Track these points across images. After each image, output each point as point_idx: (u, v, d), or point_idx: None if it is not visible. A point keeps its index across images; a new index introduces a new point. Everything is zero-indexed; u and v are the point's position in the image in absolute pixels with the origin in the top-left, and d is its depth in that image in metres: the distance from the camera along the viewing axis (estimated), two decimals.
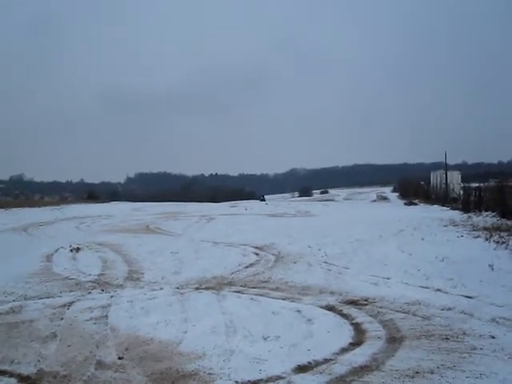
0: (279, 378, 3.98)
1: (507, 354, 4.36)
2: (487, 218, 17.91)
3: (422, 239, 12.38)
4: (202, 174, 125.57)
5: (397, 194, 62.30)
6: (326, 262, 9.45)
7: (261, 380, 3.94)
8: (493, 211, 19.35)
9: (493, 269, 8.12)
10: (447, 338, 4.85)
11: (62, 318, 5.79)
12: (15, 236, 16.22)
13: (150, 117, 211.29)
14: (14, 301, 6.71)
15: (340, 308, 6.11)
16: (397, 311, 5.91)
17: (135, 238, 14.47)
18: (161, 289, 7.39)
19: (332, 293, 6.96)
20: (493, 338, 4.83)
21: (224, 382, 3.91)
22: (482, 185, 25.19)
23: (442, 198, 35.02)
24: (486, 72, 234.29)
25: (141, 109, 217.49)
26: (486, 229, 14.22)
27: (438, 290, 6.93)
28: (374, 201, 55.76)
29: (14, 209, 31.26)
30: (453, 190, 35.38)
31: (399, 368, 4.10)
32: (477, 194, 23.69)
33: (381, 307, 6.11)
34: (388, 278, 7.78)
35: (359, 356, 4.42)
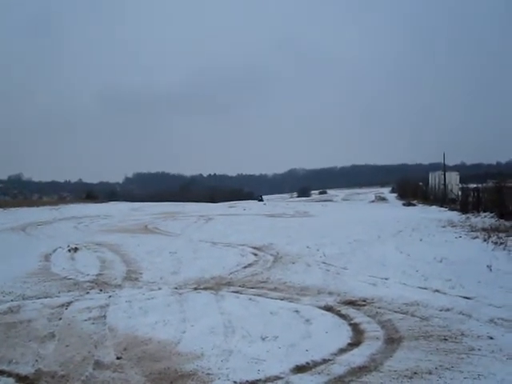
0: (277, 378, 3.98)
1: (505, 354, 4.37)
2: (485, 219, 17.94)
3: (421, 240, 12.39)
4: (201, 174, 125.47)
5: (395, 195, 62.33)
6: (324, 263, 9.46)
7: (259, 380, 3.94)
8: (491, 212, 19.39)
9: (491, 270, 8.13)
10: (445, 339, 4.86)
11: (60, 318, 5.78)
12: (13, 236, 16.19)
13: (149, 117, 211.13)
14: (12, 300, 6.71)
15: (338, 308, 6.11)
16: (395, 312, 5.92)
17: (133, 238, 14.45)
18: (159, 289, 7.39)
19: (330, 293, 6.96)
20: (491, 338, 4.83)
21: (222, 382, 3.91)
22: (480, 186, 25.23)
23: (441, 198, 35.08)
24: (485, 73, 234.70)
25: (140, 109, 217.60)
26: (484, 230, 14.25)
27: (437, 290, 6.93)
28: (373, 201, 55.77)
29: (13, 208, 31.23)
30: (451, 190, 35.43)
31: (397, 369, 4.10)
32: (475, 194, 23.74)
33: (379, 308, 6.11)
34: (386, 279, 7.79)
35: (357, 356, 4.42)
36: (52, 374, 4.12)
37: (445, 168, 40.00)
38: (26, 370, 4.22)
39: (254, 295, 6.89)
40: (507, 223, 15.67)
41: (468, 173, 58.69)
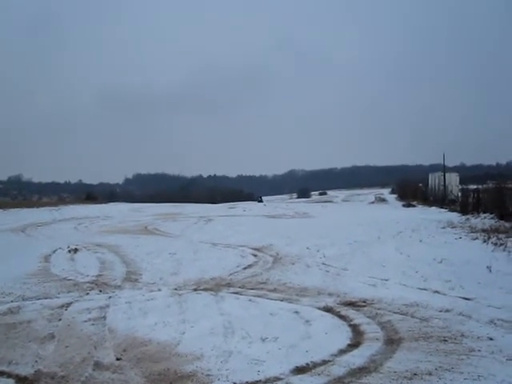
0: (277, 379, 3.97)
1: (505, 355, 4.37)
2: (485, 220, 17.94)
3: (420, 241, 12.40)
4: (201, 175, 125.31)
5: (395, 196, 62.33)
6: (324, 264, 9.46)
7: (259, 381, 3.94)
8: (491, 213, 19.39)
9: (491, 271, 8.13)
10: (445, 340, 4.86)
11: (59, 319, 5.78)
12: (13, 236, 16.19)
13: (149, 117, 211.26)
14: (12, 301, 6.70)
15: (338, 309, 6.11)
16: (395, 313, 5.92)
17: (133, 239, 14.46)
18: (159, 290, 7.38)
19: (330, 294, 6.96)
20: (491, 339, 4.83)
21: (222, 383, 3.91)
22: (480, 187, 25.22)
23: (441, 199, 35.10)
24: (485, 73, 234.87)
25: (139, 109, 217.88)
26: (484, 231, 14.25)
27: (436, 291, 6.93)
28: (373, 202, 55.77)
29: (12, 209, 31.22)
30: (451, 191, 35.45)
31: (397, 370, 4.10)
32: (475, 195, 23.74)
33: (379, 309, 6.11)
34: (386, 280, 7.79)
35: (357, 357, 4.42)
36: (52, 374, 4.12)
37: (445, 169, 40.02)
38: (25, 370, 4.22)
39: (254, 296, 6.89)
40: (507, 224, 15.68)
41: (468, 174, 58.84)
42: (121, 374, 4.12)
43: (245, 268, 9.29)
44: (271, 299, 6.74)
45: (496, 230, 14.08)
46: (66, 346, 4.82)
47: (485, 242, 11.73)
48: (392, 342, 4.87)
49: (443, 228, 16.15)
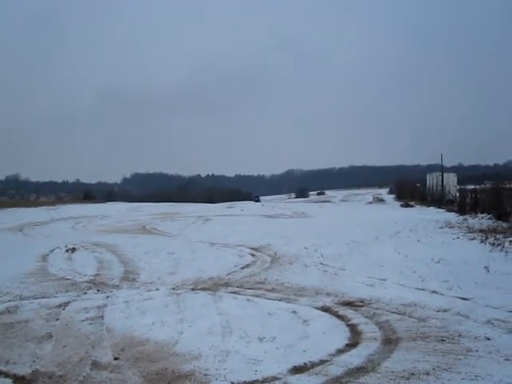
0: (275, 378, 3.98)
1: (503, 355, 4.38)
2: (483, 220, 17.97)
3: (418, 241, 12.42)
4: (199, 175, 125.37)
5: (393, 196, 62.49)
6: (322, 263, 9.46)
7: (256, 381, 3.94)
8: (488, 213, 19.42)
9: (488, 271, 8.15)
10: (443, 340, 4.86)
11: (57, 319, 5.77)
12: (11, 236, 16.17)
13: (147, 117, 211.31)
14: (9, 301, 6.69)
15: (336, 309, 6.12)
16: (393, 312, 5.92)
17: (131, 239, 14.44)
18: (157, 289, 7.38)
19: (328, 294, 6.97)
20: (488, 339, 4.84)
21: (220, 383, 3.91)
22: (477, 187, 25.28)
23: (438, 199, 35.18)
24: (483, 74, 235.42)
25: (138, 109, 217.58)
26: (481, 231, 14.29)
27: (434, 291, 6.94)
28: (370, 202, 55.87)
29: (10, 208, 31.18)
30: (449, 192, 35.55)
31: (395, 369, 4.10)
32: (473, 196, 23.78)
33: (377, 308, 6.12)
34: (384, 280, 7.80)
35: (355, 357, 4.42)
36: (49, 374, 4.11)
37: (442, 169, 40.12)
38: (23, 370, 4.21)
39: (252, 296, 6.89)
40: (504, 224, 15.71)
41: (466, 174, 58.93)
42: (118, 373, 4.12)
43: (243, 268, 9.29)
44: (269, 299, 6.74)
45: (493, 231, 14.11)
46: (64, 346, 4.81)
47: (482, 242, 11.75)
48: (390, 341, 4.87)
49: (441, 228, 16.18)
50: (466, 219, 19.33)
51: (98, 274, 8.71)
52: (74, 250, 11.65)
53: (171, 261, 10.07)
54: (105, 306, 6.34)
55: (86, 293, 7.18)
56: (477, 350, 4.53)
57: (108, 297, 6.86)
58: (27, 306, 6.35)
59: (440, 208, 29.99)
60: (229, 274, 8.66)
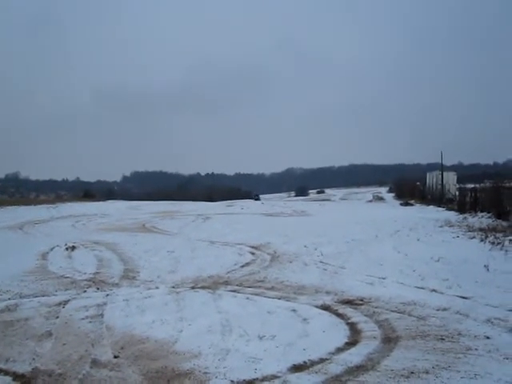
0: (275, 377, 3.98)
1: (502, 354, 4.38)
2: (483, 219, 17.98)
3: (418, 240, 12.42)
4: (199, 173, 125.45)
5: (393, 195, 62.46)
6: (321, 262, 9.47)
7: (256, 379, 3.94)
8: (488, 212, 19.44)
9: (488, 269, 8.15)
10: (442, 339, 4.87)
11: (57, 317, 5.77)
12: (11, 234, 16.16)
13: (147, 116, 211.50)
14: (9, 299, 6.69)
15: (336, 308, 6.12)
16: (392, 311, 5.93)
17: (131, 237, 14.44)
18: (156, 288, 7.38)
19: (328, 292, 6.97)
20: (488, 338, 4.84)
21: (219, 381, 3.91)
22: (477, 186, 25.28)
23: (438, 198, 35.16)
24: (483, 73, 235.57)
25: (138, 108, 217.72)
26: (481, 230, 14.29)
27: (434, 290, 6.95)
28: (370, 201, 55.81)
29: (10, 207, 31.18)
30: (448, 190, 35.54)
31: (394, 368, 4.10)
32: (472, 194, 23.78)
33: (376, 307, 6.12)
34: (384, 278, 7.80)
35: (355, 356, 4.43)
36: (49, 372, 4.12)
37: (442, 168, 40.08)
38: (23, 368, 4.21)
39: (252, 294, 6.89)
40: (504, 223, 15.71)
41: (465, 173, 58.95)
42: (118, 371, 4.12)
43: (242, 266, 9.29)
44: (269, 297, 6.74)
45: (493, 229, 14.12)
46: (64, 344, 4.82)
47: (482, 240, 11.76)
48: (389, 340, 4.87)
49: (441, 227, 16.19)
50: (465, 218, 19.33)
51: (97, 273, 8.71)
52: (73, 248, 11.66)
53: (171, 259, 10.07)
54: (104, 304, 6.34)
55: (85, 291, 7.18)
56: (476, 349, 4.54)
57: (108, 295, 6.86)
58: (27, 304, 6.36)
59: (440, 207, 29.99)
60: (228, 272, 8.67)
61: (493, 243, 11.14)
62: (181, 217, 24.15)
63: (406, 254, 9.98)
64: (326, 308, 6.11)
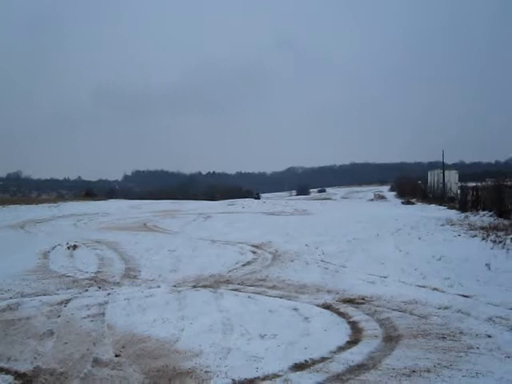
0: (276, 376, 3.98)
1: (504, 353, 4.38)
2: (484, 218, 17.97)
3: (419, 238, 12.42)
4: (200, 172, 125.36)
5: (394, 193, 62.40)
6: (323, 261, 9.47)
7: (257, 378, 3.94)
8: (490, 211, 19.43)
9: (490, 268, 8.14)
10: (444, 337, 4.86)
11: (58, 316, 5.78)
12: (12, 233, 16.17)
13: (148, 115, 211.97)
14: (10, 298, 6.70)
15: (337, 306, 6.12)
16: (394, 310, 5.92)
17: (132, 236, 14.44)
18: (158, 286, 7.38)
19: (329, 291, 6.97)
20: (489, 337, 4.84)
21: (221, 380, 3.91)
22: (479, 184, 25.24)
23: (439, 197, 35.16)
24: (484, 72, 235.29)
25: (139, 107, 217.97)
26: (482, 228, 14.28)
27: (435, 288, 6.94)
28: (372, 200, 55.77)
29: (11, 206, 31.17)
30: (450, 189, 35.51)
31: (396, 367, 4.10)
32: (474, 193, 23.75)
33: (378, 306, 6.12)
34: (385, 277, 7.80)
35: (356, 354, 4.43)
36: (51, 371, 4.12)
37: (444, 166, 40.08)
38: (24, 367, 4.22)
39: (253, 293, 6.89)
40: (506, 222, 15.70)
41: (467, 171, 58.90)
42: (120, 370, 4.13)
43: (244, 265, 9.29)
44: (270, 296, 6.74)
45: (495, 228, 14.10)
46: (65, 343, 4.82)
47: (484, 239, 11.74)
48: (391, 339, 4.87)
49: (442, 225, 16.17)
50: (467, 216, 19.32)
51: (99, 272, 8.72)
52: (75, 247, 11.67)
53: (172, 258, 10.08)
54: (106, 303, 6.34)
55: (87, 290, 7.19)
56: (478, 348, 4.54)
57: (109, 294, 6.87)
58: (28, 303, 6.36)
59: (441, 205, 29.99)
60: (230, 271, 8.67)
61: (494, 242, 11.13)
62: (182, 216, 24.14)
63: (407, 253, 9.97)
64: (327, 307, 6.11)
